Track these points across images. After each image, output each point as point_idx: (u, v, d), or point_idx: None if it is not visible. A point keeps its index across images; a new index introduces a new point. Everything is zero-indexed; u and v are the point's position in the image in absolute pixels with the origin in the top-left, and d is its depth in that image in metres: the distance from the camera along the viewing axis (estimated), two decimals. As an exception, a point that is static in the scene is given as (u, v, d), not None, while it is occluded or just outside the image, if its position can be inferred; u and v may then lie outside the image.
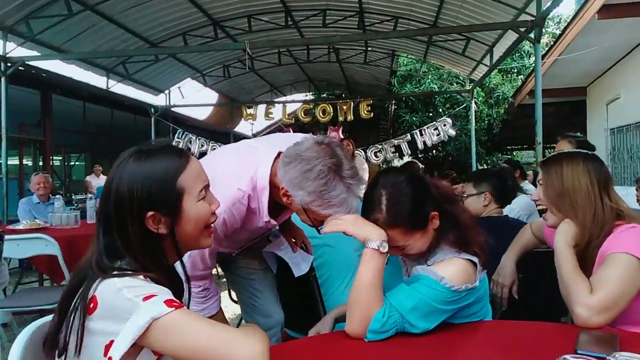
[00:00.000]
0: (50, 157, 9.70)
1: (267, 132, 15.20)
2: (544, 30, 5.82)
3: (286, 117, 9.94)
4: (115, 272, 0.95)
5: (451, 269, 1.23)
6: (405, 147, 9.12)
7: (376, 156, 8.93)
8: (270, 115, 10.02)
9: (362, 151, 8.72)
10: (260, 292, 1.97)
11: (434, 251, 1.32)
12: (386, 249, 1.24)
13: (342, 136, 8.55)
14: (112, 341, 0.90)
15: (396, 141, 9.23)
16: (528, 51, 11.74)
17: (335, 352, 1.17)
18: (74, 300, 0.94)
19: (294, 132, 9.68)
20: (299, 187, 1.33)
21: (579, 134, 3.18)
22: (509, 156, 13.88)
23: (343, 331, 1.24)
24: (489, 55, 7.48)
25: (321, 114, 9.35)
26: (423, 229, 1.28)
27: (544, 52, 7.32)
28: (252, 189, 1.49)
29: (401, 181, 1.28)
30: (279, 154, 1.45)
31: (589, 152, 1.53)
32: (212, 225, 1.12)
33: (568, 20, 7.66)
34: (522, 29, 5.40)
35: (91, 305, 0.92)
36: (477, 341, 1.25)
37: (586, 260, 1.39)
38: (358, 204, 1.34)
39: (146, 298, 0.90)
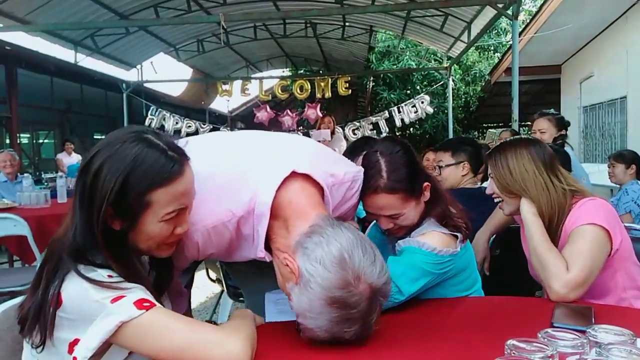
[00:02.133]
0: (17, 135, 9.34)
1: (244, 109, 15.00)
2: (520, 7, 5.84)
3: (263, 93, 9.81)
4: (83, 266, 0.90)
5: (431, 237, 1.30)
6: (383, 125, 9.12)
7: (354, 133, 8.90)
8: (246, 92, 9.86)
9: (340, 128, 8.68)
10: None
11: (419, 224, 1.36)
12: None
13: (320, 113, 8.52)
14: (76, 340, 0.86)
15: (374, 118, 9.22)
16: (505, 28, 11.78)
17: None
18: (47, 291, 0.90)
19: (270, 108, 9.53)
20: (309, 313, 0.96)
21: (552, 110, 3.21)
22: (485, 133, 14.05)
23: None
24: (466, 32, 7.46)
25: (299, 91, 9.25)
26: (418, 198, 1.34)
27: (520, 29, 7.35)
28: (246, 212, 1.09)
29: (397, 150, 1.33)
30: (293, 173, 1.10)
31: (530, 137, 1.55)
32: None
33: (545, -3, 7.68)
34: (500, 5, 5.39)
35: (57, 301, 0.88)
36: (457, 317, 1.26)
37: (550, 239, 1.40)
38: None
39: (114, 300, 0.86)
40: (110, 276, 0.91)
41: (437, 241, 1.29)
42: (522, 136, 1.60)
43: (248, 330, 0.98)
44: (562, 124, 3.00)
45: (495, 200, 1.57)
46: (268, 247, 1.12)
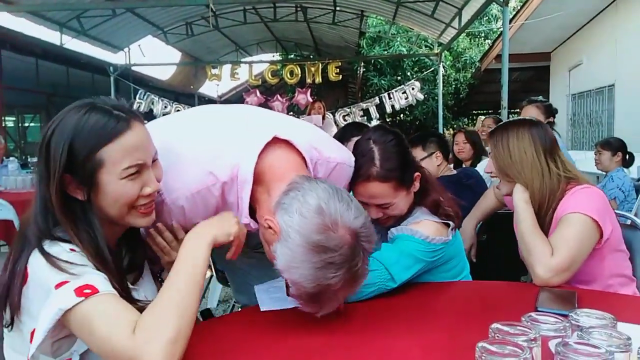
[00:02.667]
0: (3, 118, 9.18)
1: (233, 94, 14.87)
2: (512, -7, 5.85)
3: (253, 78, 9.73)
4: (48, 242, 0.90)
5: (424, 226, 1.30)
6: (373, 111, 9.11)
7: (344, 119, 8.88)
8: (236, 76, 9.78)
9: (330, 114, 8.66)
10: (255, 277, 1.50)
11: (410, 214, 1.37)
12: None
13: (310, 98, 8.47)
14: (35, 329, 0.85)
15: (364, 104, 9.21)
16: (496, 15, 11.76)
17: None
18: (14, 268, 0.90)
19: (260, 93, 9.42)
20: (292, 264, 0.95)
21: (540, 97, 3.22)
22: (475, 121, 14.10)
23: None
24: (457, 18, 7.44)
25: (289, 75, 9.19)
26: (408, 188, 1.35)
27: (511, 16, 7.34)
28: (229, 178, 1.08)
29: (390, 139, 1.34)
30: (274, 138, 1.09)
31: (534, 120, 1.54)
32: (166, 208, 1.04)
33: (536, -16, 7.65)
34: (492, -9, 5.38)
35: (23, 276, 0.88)
36: (444, 301, 1.28)
37: (540, 224, 1.41)
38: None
39: (58, 285, 0.85)
40: (72, 250, 0.90)
41: (430, 230, 1.30)
42: (527, 117, 1.58)
43: (180, 316, 0.86)
44: (550, 112, 3.02)
45: (492, 179, 1.58)
46: (254, 218, 1.11)
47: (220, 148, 1.10)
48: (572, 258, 1.30)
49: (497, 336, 0.75)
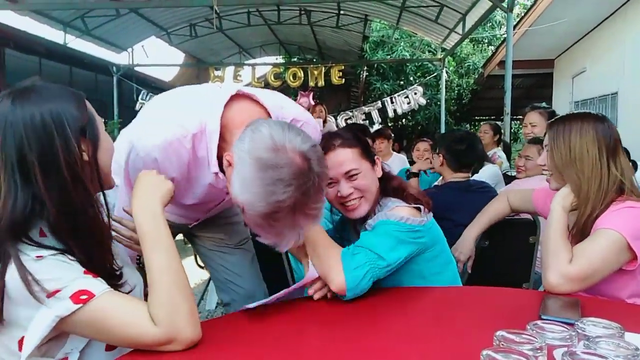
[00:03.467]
0: (5, 116, 9.19)
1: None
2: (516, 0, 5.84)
3: (255, 80, 9.75)
4: (23, 247, 0.86)
5: (397, 210, 1.33)
6: (375, 115, 9.13)
7: (346, 123, 8.89)
8: (238, 78, 9.81)
9: (332, 118, 8.67)
10: (236, 273, 1.66)
11: (380, 203, 1.40)
12: None
13: (313, 102, 8.48)
14: (24, 337, 0.84)
15: (367, 108, 9.23)
16: (499, 21, 11.77)
17: (315, 313, 1.15)
18: None
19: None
20: (244, 184, 0.99)
21: (544, 104, 3.22)
22: (480, 126, 14.09)
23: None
24: (461, 23, 7.45)
25: (291, 78, 9.21)
26: (372, 163, 1.40)
27: (515, 22, 7.34)
28: (199, 131, 1.14)
29: (350, 130, 1.47)
30: (237, 93, 1.19)
31: (600, 114, 1.43)
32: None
33: (540, -9, 7.66)
34: (496, -3, 5.38)
35: (2, 292, 0.84)
36: (446, 306, 1.25)
37: (584, 232, 1.33)
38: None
39: (50, 295, 0.84)
40: (39, 257, 0.86)
41: (404, 212, 1.32)
42: (591, 112, 1.46)
43: (180, 290, 0.93)
44: (553, 118, 3.01)
45: (544, 172, 1.51)
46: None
47: (188, 106, 1.18)
48: (590, 271, 1.23)
49: (502, 344, 0.74)
